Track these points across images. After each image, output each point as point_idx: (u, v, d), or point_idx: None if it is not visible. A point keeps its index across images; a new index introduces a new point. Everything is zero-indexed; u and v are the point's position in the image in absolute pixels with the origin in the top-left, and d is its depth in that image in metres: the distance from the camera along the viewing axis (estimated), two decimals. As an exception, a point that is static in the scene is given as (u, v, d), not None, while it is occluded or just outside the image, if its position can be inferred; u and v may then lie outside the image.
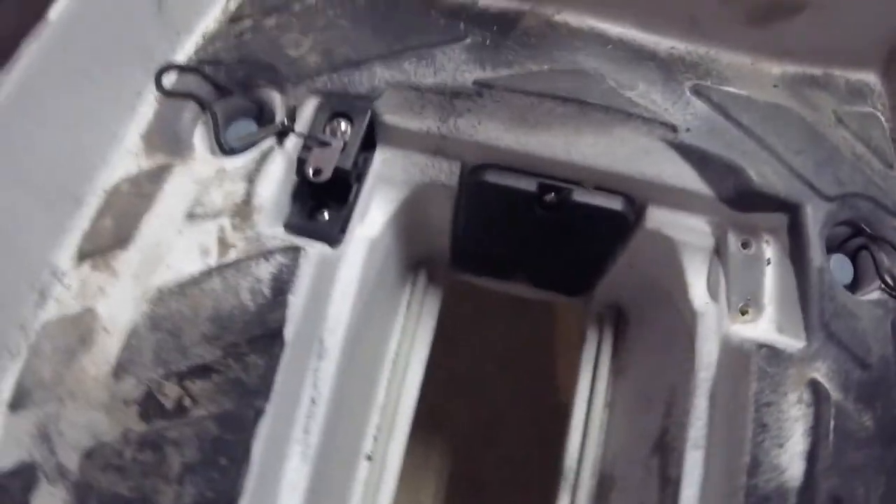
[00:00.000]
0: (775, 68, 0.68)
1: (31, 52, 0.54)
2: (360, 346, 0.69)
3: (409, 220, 0.71)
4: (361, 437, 0.77)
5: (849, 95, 0.69)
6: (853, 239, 0.64)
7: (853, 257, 0.64)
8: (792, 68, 0.68)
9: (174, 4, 0.64)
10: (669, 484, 0.63)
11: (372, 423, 0.78)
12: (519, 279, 0.83)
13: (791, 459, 0.54)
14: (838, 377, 0.56)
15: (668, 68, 0.65)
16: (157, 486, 0.52)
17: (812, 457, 0.54)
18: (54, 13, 0.54)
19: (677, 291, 0.66)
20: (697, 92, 0.63)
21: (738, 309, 0.61)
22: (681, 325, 0.66)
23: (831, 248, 0.63)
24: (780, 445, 0.54)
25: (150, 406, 0.55)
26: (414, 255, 0.80)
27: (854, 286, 0.64)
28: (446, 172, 0.66)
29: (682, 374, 0.64)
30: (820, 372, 0.56)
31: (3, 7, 0.59)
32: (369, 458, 0.77)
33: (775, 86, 0.67)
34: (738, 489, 0.53)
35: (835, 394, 0.56)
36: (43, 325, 0.59)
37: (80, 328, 0.58)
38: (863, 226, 0.62)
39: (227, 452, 0.52)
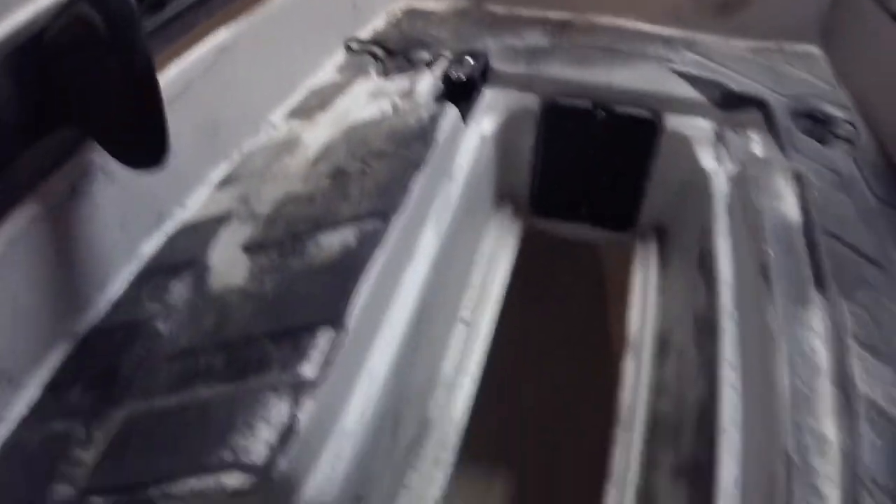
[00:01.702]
0: (740, 43, 1.08)
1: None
2: (466, 216, 0.94)
3: (503, 145, 1.03)
4: (457, 307, 0.96)
5: (797, 58, 1.06)
6: (816, 127, 0.94)
7: (820, 138, 0.93)
8: (753, 43, 1.08)
9: (362, 10, 1.08)
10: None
11: (468, 297, 0.97)
12: (581, 219, 1.09)
13: (788, 209, 0.76)
14: (816, 175, 0.82)
15: (666, 42, 1.05)
16: (339, 206, 0.75)
17: (804, 208, 0.76)
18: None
19: (694, 174, 0.94)
20: (688, 48, 1.02)
21: (738, 161, 0.89)
22: (698, 198, 0.92)
23: (806, 130, 0.93)
24: (779, 202, 0.77)
25: (338, 174, 0.80)
26: (503, 186, 1.09)
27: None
28: (530, 101, 1.00)
29: (707, 222, 0.88)
30: (801, 170, 0.82)
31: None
32: (465, 323, 0.94)
33: (742, 50, 1.06)
34: (754, 234, 0.74)
35: (816, 182, 0.80)
36: (257, 148, 0.87)
37: (287, 146, 0.86)
38: (817, 114, 0.93)
39: (394, 183, 0.76)
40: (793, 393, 0.59)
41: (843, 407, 0.58)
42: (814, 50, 1.11)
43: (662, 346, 0.91)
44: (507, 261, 1.04)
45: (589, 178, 1.05)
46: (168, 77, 0.75)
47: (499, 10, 1.15)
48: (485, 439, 0.94)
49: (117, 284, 0.73)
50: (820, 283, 0.68)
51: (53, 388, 0.64)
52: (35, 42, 0.58)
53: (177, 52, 0.79)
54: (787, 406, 0.58)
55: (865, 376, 0.60)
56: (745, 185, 0.80)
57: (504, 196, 1.11)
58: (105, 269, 0.72)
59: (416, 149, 0.81)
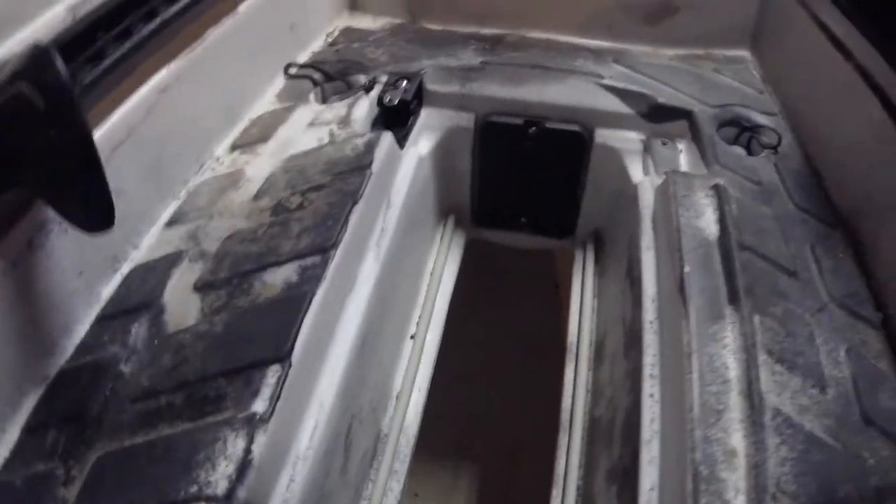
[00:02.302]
0: (669, 52, 1.18)
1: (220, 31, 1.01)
2: (407, 236, 1.03)
3: (442, 163, 1.12)
4: (407, 322, 1.06)
5: (727, 63, 1.17)
6: (741, 135, 1.05)
7: (747, 144, 1.05)
8: (682, 51, 1.18)
9: (300, 34, 1.15)
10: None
11: (415, 314, 1.07)
12: (522, 228, 1.19)
13: (707, 224, 0.87)
14: (735, 186, 0.92)
15: (596, 55, 1.15)
16: (280, 243, 0.84)
17: (722, 222, 0.87)
18: (242, 7, 1.03)
19: (624, 185, 1.04)
20: (616, 61, 1.12)
21: (663, 172, 1.00)
22: (628, 209, 1.02)
23: (729, 142, 1.04)
24: (698, 217, 0.88)
25: (278, 209, 0.89)
26: (444, 202, 1.18)
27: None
28: (466, 120, 1.09)
29: (634, 233, 0.99)
30: (720, 183, 0.92)
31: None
32: (412, 337, 1.04)
33: (670, 59, 1.16)
34: (673, 248, 0.85)
35: (735, 193, 0.91)
36: (201, 183, 0.96)
37: (231, 178, 0.95)
38: (742, 122, 1.04)
39: (331, 219, 0.85)
40: (703, 407, 0.68)
41: (752, 419, 0.67)
42: (744, 54, 1.21)
43: (598, 352, 1.03)
44: (453, 272, 1.14)
45: (527, 190, 1.15)
46: (112, 123, 0.83)
47: (433, 27, 1.23)
48: (439, 447, 1.05)
49: (80, 327, 0.82)
50: (733, 298, 0.78)
51: (31, 431, 0.73)
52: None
53: (119, 97, 0.86)
54: (696, 419, 0.67)
55: (775, 387, 0.69)
56: (666, 198, 0.91)
57: (447, 210, 1.20)
58: (67, 314, 0.81)
59: (353, 180, 0.90)
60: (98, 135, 0.80)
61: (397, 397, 1.02)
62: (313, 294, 0.78)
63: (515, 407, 1.30)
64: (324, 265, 0.81)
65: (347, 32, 1.24)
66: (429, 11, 1.26)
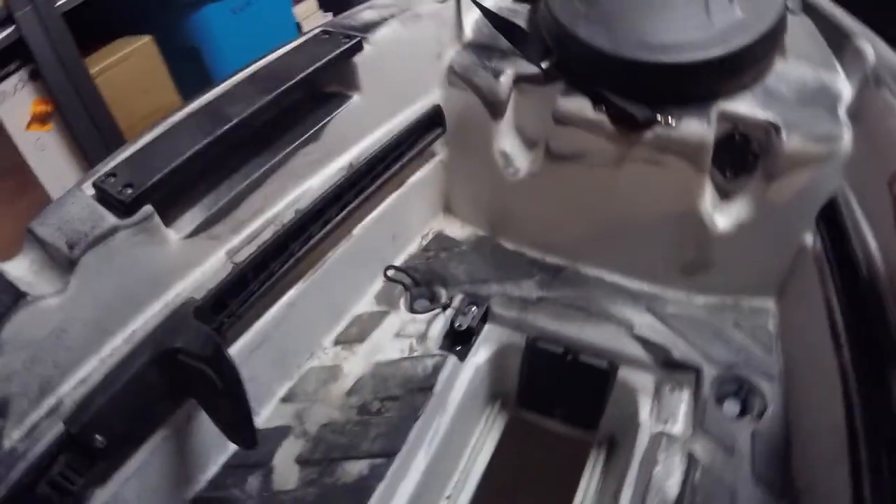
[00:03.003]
0: (700, 298, 1.50)
1: (338, 254, 1.45)
2: (456, 426, 1.42)
3: (496, 366, 1.51)
4: (445, 486, 1.46)
5: (750, 314, 1.47)
6: (741, 391, 1.36)
7: (744, 399, 1.35)
8: (712, 298, 1.50)
9: (399, 241, 1.58)
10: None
11: (452, 480, 1.47)
12: (557, 416, 1.56)
13: (671, 487, 1.20)
14: (708, 453, 1.25)
15: (633, 297, 1.49)
16: (360, 441, 1.26)
17: (682, 486, 1.20)
18: (356, 230, 1.46)
19: (632, 419, 1.38)
20: (648, 308, 1.46)
21: (663, 419, 1.33)
22: (631, 442, 1.36)
23: (730, 394, 1.35)
24: (666, 479, 1.21)
25: (363, 409, 1.31)
26: (495, 390, 1.57)
27: (741, 415, 1.34)
28: (519, 340, 1.48)
29: (625, 468, 1.32)
30: (695, 449, 1.25)
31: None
32: (448, 497, 1.44)
33: (698, 307, 1.48)
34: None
35: (705, 460, 1.24)
36: (310, 368, 1.40)
37: (332, 371, 1.38)
38: (742, 381, 1.35)
39: (397, 432, 1.26)
40: None
41: None
42: (769, 305, 1.51)
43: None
44: (492, 446, 1.53)
45: (561, 396, 1.52)
46: (252, 333, 1.28)
47: (508, 245, 1.63)
48: None
49: (213, 468, 1.27)
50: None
51: None
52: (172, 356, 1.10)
53: (258, 313, 1.31)
54: None
55: None
56: (651, 455, 1.25)
57: (495, 397, 1.59)
58: (206, 458, 1.26)
59: (419, 398, 1.31)
60: (242, 342, 1.26)
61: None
62: (376, 487, 1.19)
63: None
64: (387, 466, 1.22)
65: (439, 239, 1.65)
66: (504, 232, 1.65)
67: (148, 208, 1.05)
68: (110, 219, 1.01)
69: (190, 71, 2.75)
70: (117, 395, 1.02)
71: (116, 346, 1.07)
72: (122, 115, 2.53)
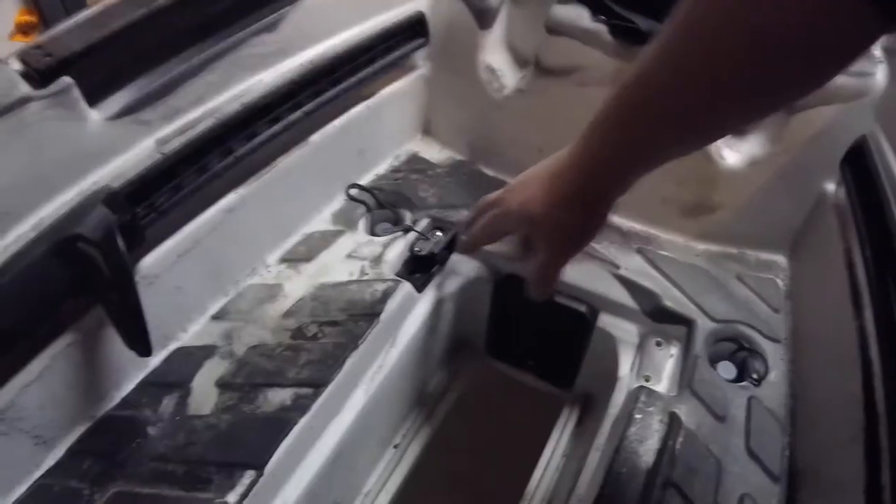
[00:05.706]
0: (700, 245, 1.30)
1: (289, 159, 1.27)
2: (409, 368, 1.25)
3: (461, 307, 1.32)
4: (393, 432, 1.29)
5: (757, 267, 1.27)
6: (738, 353, 1.16)
7: (741, 363, 1.15)
8: (713, 247, 1.29)
9: (367, 158, 1.39)
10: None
11: (405, 424, 1.30)
12: (528, 369, 1.37)
13: (646, 451, 1.01)
14: (694, 417, 1.05)
15: (623, 235, 1.29)
16: (288, 367, 1.09)
17: (660, 453, 1.01)
18: (314, 137, 1.28)
19: (612, 373, 1.19)
20: (639, 251, 1.26)
21: (643, 377, 1.14)
22: (606, 398, 1.17)
23: (726, 354, 1.16)
24: (641, 442, 1.02)
25: (298, 333, 1.14)
26: (460, 334, 1.39)
27: (736, 381, 1.14)
28: (488, 275, 1.29)
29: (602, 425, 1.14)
30: (680, 410, 1.06)
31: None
32: (396, 446, 1.27)
33: (697, 255, 1.28)
34: (604, 460, 1.00)
35: (688, 425, 1.04)
36: (248, 286, 1.23)
37: (271, 291, 1.22)
38: (741, 342, 1.15)
39: (332, 359, 1.09)
40: None
41: None
42: (780, 260, 1.29)
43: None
44: (454, 397, 1.35)
45: (534, 344, 1.33)
46: (181, 235, 1.12)
47: (488, 171, 1.43)
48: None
49: (128, 385, 1.12)
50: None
51: (73, 454, 1.05)
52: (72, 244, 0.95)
53: (190, 214, 1.15)
54: None
55: None
56: (627, 411, 1.06)
57: (461, 342, 1.40)
58: (121, 373, 1.11)
59: (361, 325, 1.13)
60: (168, 245, 1.11)
61: (365, 494, 1.25)
62: (297, 421, 1.03)
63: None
64: (313, 398, 1.05)
65: (412, 161, 1.47)
66: (484, 157, 1.46)
67: (66, 79, 0.93)
68: (23, 87, 0.90)
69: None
70: (12, 282, 0.89)
71: (22, 232, 0.93)
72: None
